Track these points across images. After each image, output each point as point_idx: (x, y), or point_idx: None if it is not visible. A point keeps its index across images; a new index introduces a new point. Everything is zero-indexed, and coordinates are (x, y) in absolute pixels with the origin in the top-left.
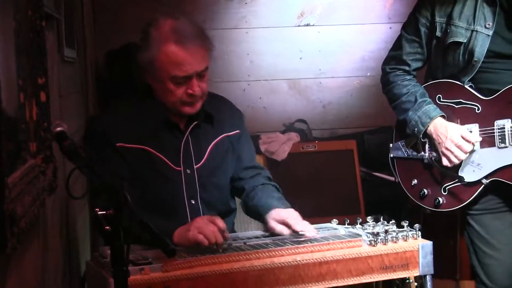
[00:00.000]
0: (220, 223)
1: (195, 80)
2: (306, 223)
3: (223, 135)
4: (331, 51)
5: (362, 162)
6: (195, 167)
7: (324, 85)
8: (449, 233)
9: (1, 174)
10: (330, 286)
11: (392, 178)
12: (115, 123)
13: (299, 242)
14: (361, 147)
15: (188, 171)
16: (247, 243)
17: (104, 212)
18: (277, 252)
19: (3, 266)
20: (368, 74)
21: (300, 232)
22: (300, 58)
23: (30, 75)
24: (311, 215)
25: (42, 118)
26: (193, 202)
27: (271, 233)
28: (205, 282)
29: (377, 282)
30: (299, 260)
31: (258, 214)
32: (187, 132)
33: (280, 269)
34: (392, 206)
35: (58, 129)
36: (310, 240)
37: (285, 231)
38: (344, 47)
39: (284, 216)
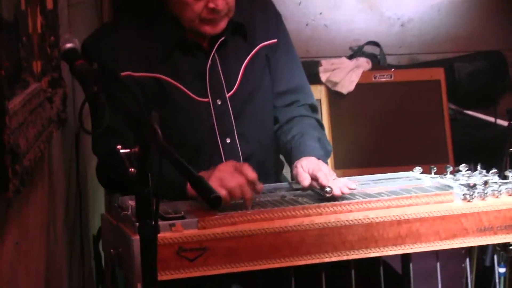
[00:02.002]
0: (250, 172)
1: None
2: (343, 181)
3: (258, 47)
4: None
5: (451, 97)
6: (227, 96)
7: None
8: None
9: None
10: (411, 251)
11: (491, 118)
12: (114, 47)
13: (372, 196)
14: (451, 78)
15: (219, 102)
16: (305, 195)
17: (128, 150)
18: (344, 207)
19: (2, 212)
20: None
21: (326, 189)
22: None
23: None
24: (386, 163)
25: (48, 30)
26: (229, 141)
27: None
28: (251, 243)
29: (471, 248)
30: (373, 218)
31: (289, 155)
32: (213, 52)
33: (348, 228)
34: (488, 153)
35: (68, 45)
36: (387, 193)
37: (306, 182)
38: None
39: (315, 168)
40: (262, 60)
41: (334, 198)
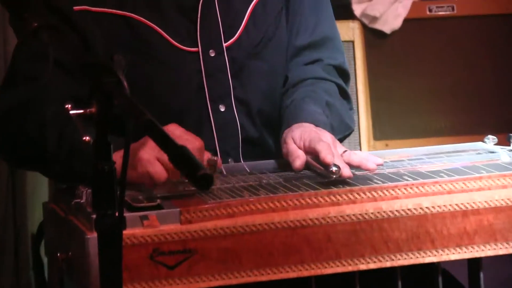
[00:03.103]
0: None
1: None
2: (362, 155)
3: None
4: None
5: None
6: (224, 45)
7: None
8: None
9: None
10: (483, 254)
11: None
12: None
13: (427, 176)
14: None
15: (212, 54)
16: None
17: (81, 110)
18: (386, 192)
19: None
20: None
21: (331, 168)
22: None
23: None
24: (444, 132)
25: None
26: (223, 109)
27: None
28: (256, 243)
29: None
30: (427, 208)
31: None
32: None
33: (393, 222)
34: None
35: None
36: (447, 172)
37: (299, 160)
38: None
39: (313, 139)
40: (279, 0)
41: (346, 182)
